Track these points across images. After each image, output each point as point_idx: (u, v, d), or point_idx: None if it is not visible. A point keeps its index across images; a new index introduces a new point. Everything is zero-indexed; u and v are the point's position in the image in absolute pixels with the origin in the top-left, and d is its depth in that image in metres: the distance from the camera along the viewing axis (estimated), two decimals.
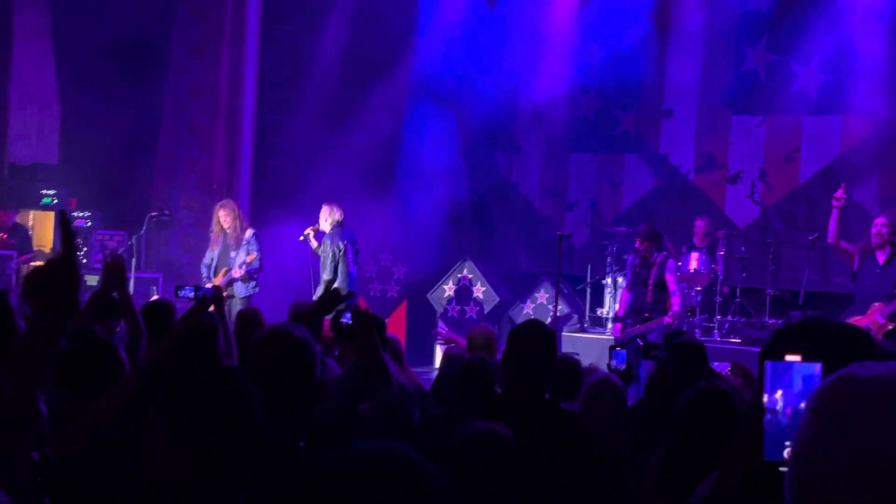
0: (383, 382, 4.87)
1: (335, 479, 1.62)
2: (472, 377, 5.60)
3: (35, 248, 14.74)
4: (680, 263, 12.83)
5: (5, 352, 4.37)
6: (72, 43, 14.88)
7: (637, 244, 11.53)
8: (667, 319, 11.35)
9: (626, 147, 15.45)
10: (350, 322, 5.25)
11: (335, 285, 11.70)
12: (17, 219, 14.43)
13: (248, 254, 11.94)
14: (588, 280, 14.53)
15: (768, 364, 1.78)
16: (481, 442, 2.90)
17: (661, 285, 11.49)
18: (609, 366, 5.86)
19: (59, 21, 15.28)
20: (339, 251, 11.94)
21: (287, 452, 3.21)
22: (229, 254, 12.11)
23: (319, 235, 12.16)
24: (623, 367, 6.05)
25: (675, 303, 11.47)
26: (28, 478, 2.41)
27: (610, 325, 12.85)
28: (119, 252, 7.88)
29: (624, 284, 12.01)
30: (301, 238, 12.25)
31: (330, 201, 12.38)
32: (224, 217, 12.02)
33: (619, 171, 15.50)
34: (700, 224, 13.73)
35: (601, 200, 15.60)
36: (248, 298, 11.82)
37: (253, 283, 12.05)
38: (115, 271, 5.07)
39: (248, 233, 12.17)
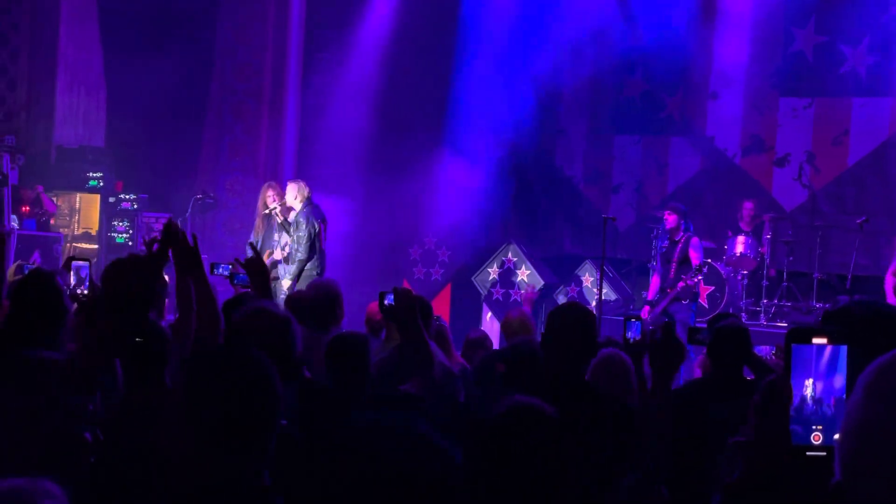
0: (425, 363, 4.91)
1: (340, 447, 1.63)
2: (518, 361, 5.65)
3: (82, 230, 14.92)
4: (726, 246, 12.77)
5: (56, 330, 4.48)
6: (118, 27, 15.03)
7: (665, 216, 11.52)
8: (680, 285, 11.34)
9: (671, 130, 15.35)
10: (393, 303, 5.31)
11: (309, 265, 11.66)
12: (56, 199, 14.60)
13: (290, 236, 11.99)
14: (632, 263, 14.49)
15: (795, 347, 1.78)
16: (523, 414, 2.91)
17: (685, 262, 11.49)
18: (625, 338, 5.84)
19: (106, 5, 15.42)
20: (315, 230, 11.76)
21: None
22: (273, 235, 12.18)
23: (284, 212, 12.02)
24: (638, 337, 6.02)
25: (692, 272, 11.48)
26: (80, 458, 2.48)
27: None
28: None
29: (655, 270, 12.04)
30: (266, 212, 11.94)
31: (298, 178, 12.30)
32: (271, 198, 12.06)
33: (664, 153, 15.41)
34: (748, 206, 13.63)
35: (646, 183, 15.51)
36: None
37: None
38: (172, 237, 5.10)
39: (292, 216, 12.22)
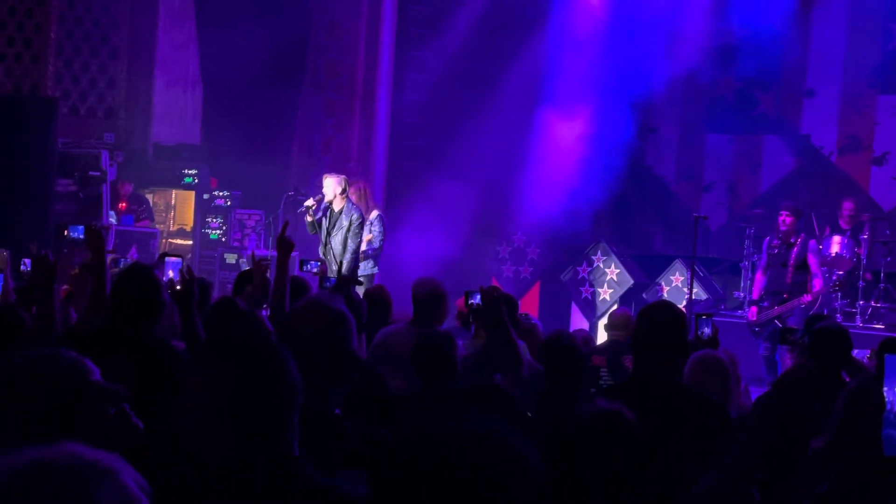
0: (512, 361, 4.88)
1: (422, 453, 1.63)
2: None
3: (177, 226, 15.16)
4: (821, 246, 12.54)
5: (152, 323, 4.59)
6: (215, 25, 15.23)
7: (782, 217, 11.28)
8: (806, 298, 11.10)
9: (765, 128, 15.15)
10: (479, 303, 5.30)
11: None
12: (144, 192, 14.87)
13: (368, 233, 12.02)
14: (724, 263, 14.32)
15: (888, 358, 1.74)
16: (606, 422, 2.89)
17: (803, 266, 11.25)
18: (697, 334, 5.75)
19: (203, 4, 15.64)
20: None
21: (325, 421, 3.26)
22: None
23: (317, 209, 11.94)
24: (710, 333, 5.92)
25: (818, 284, 11.21)
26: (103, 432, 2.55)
27: (746, 309, 12.65)
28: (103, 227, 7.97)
29: (759, 267, 11.80)
30: (303, 209, 11.63)
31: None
32: (351, 195, 12.12)
33: (757, 152, 15.21)
34: (848, 205, 13.39)
35: (739, 182, 15.33)
36: (368, 278, 11.89)
37: (371, 263, 12.10)
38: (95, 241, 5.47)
39: (374, 214, 12.24)
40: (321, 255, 11.50)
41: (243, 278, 7.30)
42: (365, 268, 11.98)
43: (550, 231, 14.89)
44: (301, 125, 16.26)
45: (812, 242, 11.58)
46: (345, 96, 16.06)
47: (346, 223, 11.58)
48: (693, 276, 12.70)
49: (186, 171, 14.99)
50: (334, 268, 11.20)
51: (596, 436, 2.80)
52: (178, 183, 15.05)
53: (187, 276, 5.44)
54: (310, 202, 11.63)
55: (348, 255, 11.48)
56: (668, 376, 4.48)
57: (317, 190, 12.24)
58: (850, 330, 6.80)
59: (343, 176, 11.92)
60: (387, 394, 5.36)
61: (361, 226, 11.64)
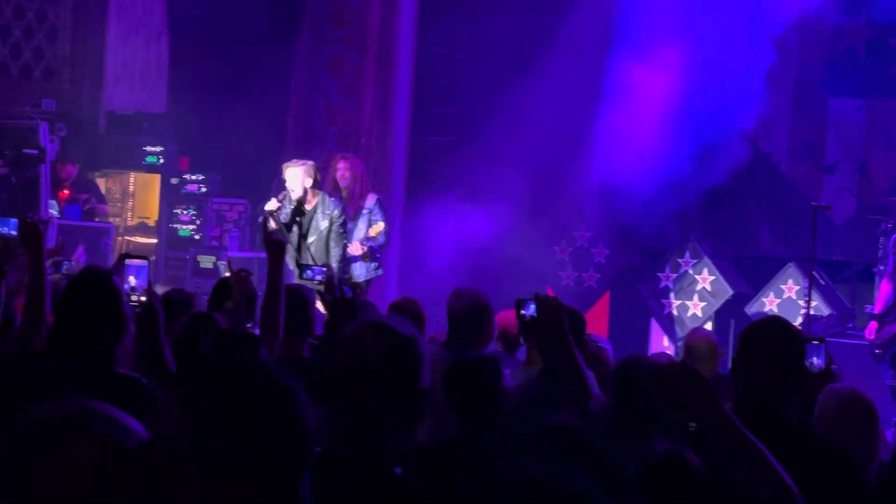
0: (576, 393, 4.83)
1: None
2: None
3: (137, 219, 15.15)
4: None
5: (109, 342, 4.65)
6: None
7: None
8: None
9: None
10: (535, 315, 5.26)
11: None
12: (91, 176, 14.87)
13: (369, 225, 11.96)
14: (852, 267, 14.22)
15: None
16: (662, 471, 2.86)
17: None
18: (810, 363, 5.66)
19: None
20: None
21: (382, 481, 3.26)
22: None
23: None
24: (823, 365, 5.84)
25: None
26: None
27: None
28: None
29: (885, 273, 11.68)
30: (263, 216, 11.55)
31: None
32: (339, 178, 12.02)
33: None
34: None
35: (872, 162, 15.21)
36: (369, 283, 11.85)
37: (375, 265, 12.07)
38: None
39: (371, 199, 12.19)
40: (292, 269, 11.55)
41: (222, 288, 7.30)
42: (367, 270, 11.94)
43: (624, 226, 14.82)
44: (298, 90, 16.23)
45: None
46: (354, 52, 16.03)
47: (324, 224, 11.55)
48: (812, 285, 12.57)
49: (149, 147, 15.01)
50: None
51: (655, 486, 2.78)
52: (137, 163, 15.07)
53: (148, 293, 5.51)
54: (272, 204, 11.54)
55: (334, 262, 11.43)
56: (776, 413, 4.47)
57: (320, 171, 12.18)
58: None
59: (310, 162, 11.86)
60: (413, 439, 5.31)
61: (345, 223, 11.60)
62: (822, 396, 5.41)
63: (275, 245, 6.17)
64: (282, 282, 6.09)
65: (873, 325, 11.62)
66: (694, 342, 8.79)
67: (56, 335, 4.79)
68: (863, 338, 13.25)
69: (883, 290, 11.70)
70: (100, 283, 4.82)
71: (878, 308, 11.77)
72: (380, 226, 12.01)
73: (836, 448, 4.52)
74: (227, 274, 7.29)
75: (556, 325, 5.06)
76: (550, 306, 5.19)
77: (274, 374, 2.54)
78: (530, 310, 5.68)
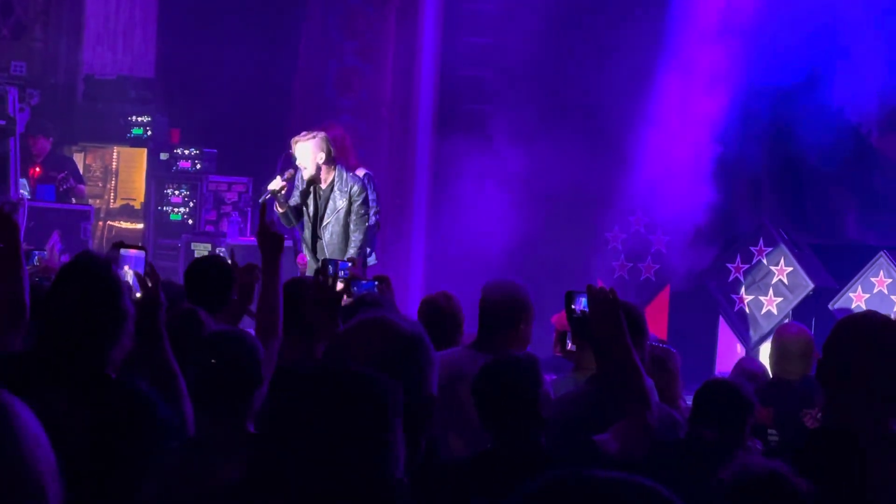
0: (635, 403, 4.84)
1: None
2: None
3: (121, 201, 15.13)
4: None
5: (108, 344, 4.84)
6: None
7: None
8: None
9: None
10: (587, 310, 5.21)
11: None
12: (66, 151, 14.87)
13: None
14: None
15: None
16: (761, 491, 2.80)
17: None
18: None
19: None
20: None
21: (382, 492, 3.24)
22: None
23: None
24: None
25: None
26: None
27: None
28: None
29: None
30: (265, 196, 11.55)
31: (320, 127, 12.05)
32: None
33: None
34: None
35: None
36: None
37: (367, 251, 12.05)
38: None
39: (359, 173, 12.15)
40: (307, 258, 11.48)
41: (200, 273, 7.30)
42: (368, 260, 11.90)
43: (687, 209, 14.76)
44: (307, 50, 16.21)
45: None
46: (373, 5, 15.98)
47: (341, 203, 11.55)
48: None
49: (134, 118, 15.00)
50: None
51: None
52: (121, 136, 15.07)
53: (149, 277, 5.55)
54: (276, 184, 11.54)
55: (353, 250, 11.42)
56: (877, 429, 4.40)
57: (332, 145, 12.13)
58: None
59: (321, 133, 11.83)
60: (437, 456, 5.38)
61: (367, 200, 11.56)
62: None
63: (271, 238, 6.17)
64: (279, 276, 6.13)
65: None
66: (786, 339, 8.73)
67: (43, 334, 4.82)
68: None
69: None
70: (98, 272, 4.83)
71: None
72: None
73: None
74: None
75: (613, 322, 4.98)
76: (605, 300, 5.12)
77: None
78: (581, 304, 5.62)
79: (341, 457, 2.79)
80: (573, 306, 5.80)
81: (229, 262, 7.46)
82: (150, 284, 5.46)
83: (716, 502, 3.02)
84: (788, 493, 2.90)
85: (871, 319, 4.75)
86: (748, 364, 8.63)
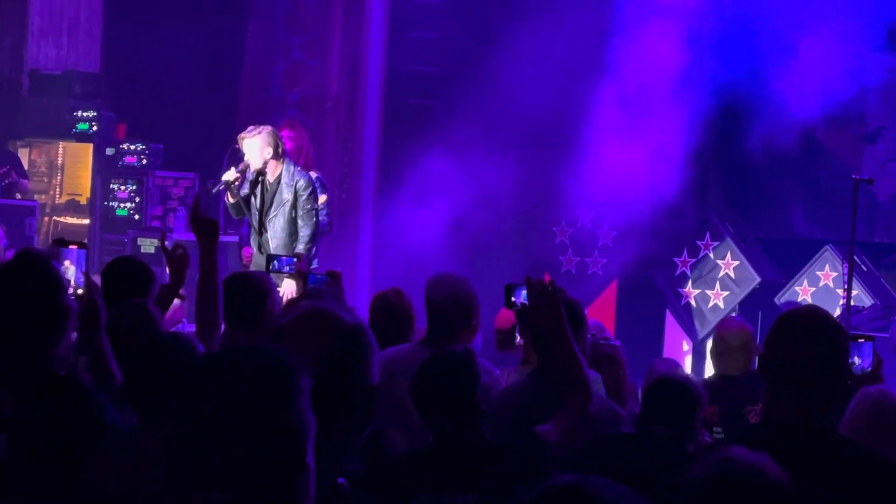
0: (575, 393, 4.78)
1: None
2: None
3: (66, 197, 15.08)
4: None
5: (50, 339, 4.84)
6: None
7: None
8: None
9: None
10: (526, 302, 5.24)
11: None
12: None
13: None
14: None
15: None
16: (738, 479, 2.97)
17: None
18: (851, 363, 5.67)
19: None
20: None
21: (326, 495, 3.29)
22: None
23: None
24: (868, 366, 5.84)
25: None
26: None
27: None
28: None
29: None
30: (218, 187, 11.62)
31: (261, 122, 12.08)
32: (285, 143, 11.95)
33: None
34: None
35: None
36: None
37: (313, 248, 12.06)
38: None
39: (312, 175, 12.21)
40: (252, 251, 11.48)
41: (144, 272, 7.24)
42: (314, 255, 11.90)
43: (634, 203, 14.80)
44: (253, 45, 16.19)
45: None
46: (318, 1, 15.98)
47: (288, 196, 11.53)
48: (852, 272, 12.56)
49: (80, 113, 14.93)
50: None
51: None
52: (66, 132, 14.99)
53: (87, 287, 5.59)
54: (230, 175, 11.55)
55: (302, 245, 11.42)
56: (813, 419, 4.42)
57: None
58: None
59: (268, 128, 11.82)
60: (385, 453, 5.38)
61: (314, 196, 11.58)
62: (854, 400, 5.46)
63: (205, 225, 6.18)
64: (217, 265, 6.13)
65: None
66: (726, 334, 8.79)
67: None
68: None
69: None
70: (37, 268, 4.81)
71: None
72: (323, 197, 12.04)
73: (878, 462, 4.48)
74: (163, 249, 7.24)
75: (552, 313, 5.01)
76: (545, 292, 5.15)
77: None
78: (521, 296, 5.63)
79: (243, 436, 2.77)
80: (513, 298, 5.83)
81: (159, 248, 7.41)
82: (89, 295, 5.45)
83: (689, 499, 3.02)
84: (767, 484, 2.92)
85: (810, 313, 4.75)
86: (660, 366, 8.64)
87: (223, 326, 6.37)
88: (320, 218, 11.98)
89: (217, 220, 6.26)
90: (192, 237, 12.45)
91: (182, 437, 2.81)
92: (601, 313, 14.31)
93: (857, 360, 5.78)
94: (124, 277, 6.92)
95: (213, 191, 11.63)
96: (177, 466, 2.76)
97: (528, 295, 5.22)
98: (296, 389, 2.78)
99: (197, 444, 2.79)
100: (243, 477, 2.77)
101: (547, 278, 7.34)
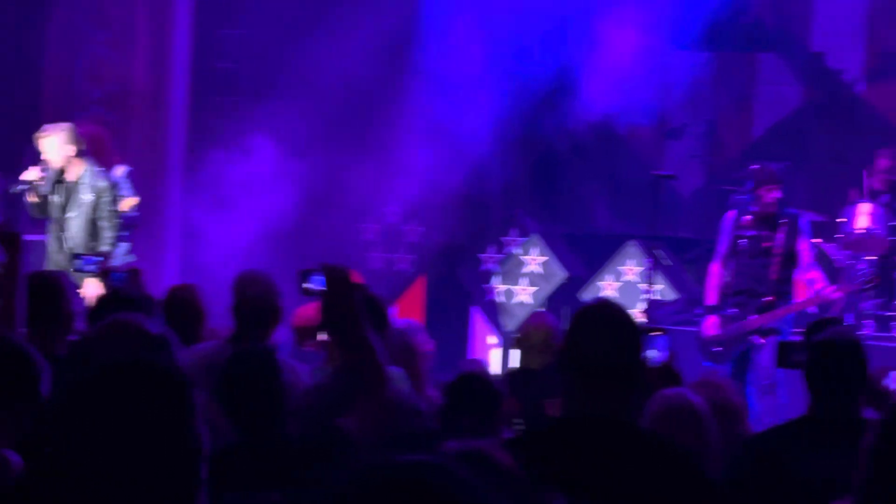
0: (372, 384, 4.83)
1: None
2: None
3: None
4: (845, 219, 12.71)
5: None
6: None
7: (765, 193, 11.26)
8: (809, 299, 11.19)
9: (760, 43, 15.31)
10: (322, 288, 5.19)
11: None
12: None
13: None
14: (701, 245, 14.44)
15: None
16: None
17: (792, 257, 11.29)
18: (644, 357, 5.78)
19: None
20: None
21: None
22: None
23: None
24: (661, 360, 5.95)
25: (817, 278, 11.27)
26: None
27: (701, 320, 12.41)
28: None
29: (718, 255, 11.55)
30: (21, 187, 11.51)
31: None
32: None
33: (749, 78, 15.37)
34: (883, 162, 13.61)
35: (722, 124, 15.47)
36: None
37: (127, 247, 11.99)
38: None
39: (120, 170, 12.26)
40: (49, 250, 11.35)
41: None
42: (118, 255, 11.80)
43: (439, 200, 14.87)
44: (56, 40, 15.99)
45: (804, 220, 11.59)
46: None
47: (87, 198, 11.39)
48: (655, 266, 12.75)
49: None
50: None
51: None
52: None
53: None
54: (33, 174, 11.41)
55: (106, 246, 11.31)
56: (612, 412, 4.48)
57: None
58: (884, 343, 6.86)
59: (67, 126, 11.67)
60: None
61: (115, 199, 11.46)
62: (650, 403, 5.50)
63: (7, 238, 6.00)
64: (19, 267, 5.96)
65: (713, 319, 11.48)
66: (528, 328, 8.85)
67: None
68: None
69: (713, 276, 11.48)
70: None
71: (711, 299, 11.59)
72: (133, 200, 11.94)
73: (686, 457, 4.56)
74: None
75: (346, 301, 5.01)
76: (340, 278, 5.14)
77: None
78: (314, 282, 5.49)
79: (140, 458, 2.74)
80: (306, 284, 5.78)
81: None
82: None
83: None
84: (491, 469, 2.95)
85: (604, 308, 4.86)
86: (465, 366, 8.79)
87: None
88: (131, 214, 11.89)
89: (18, 232, 6.16)
90: None
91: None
92: (410, 309, 14.39)
93: (650, 353, 5.85)
94: None
95: (16, 190, 11.49)
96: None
97: (326, 281, 5.19)
98: (191, 405, 2.78)
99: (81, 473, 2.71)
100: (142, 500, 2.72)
101: (359, 279, 7.39)
